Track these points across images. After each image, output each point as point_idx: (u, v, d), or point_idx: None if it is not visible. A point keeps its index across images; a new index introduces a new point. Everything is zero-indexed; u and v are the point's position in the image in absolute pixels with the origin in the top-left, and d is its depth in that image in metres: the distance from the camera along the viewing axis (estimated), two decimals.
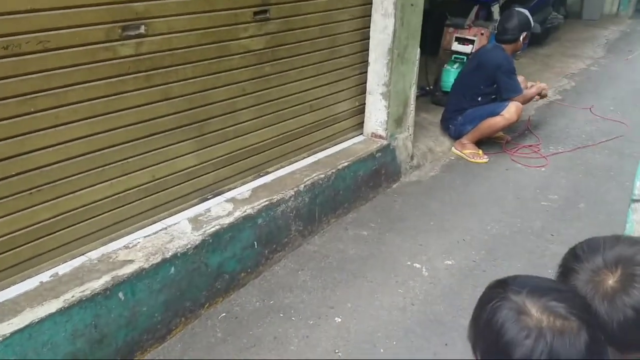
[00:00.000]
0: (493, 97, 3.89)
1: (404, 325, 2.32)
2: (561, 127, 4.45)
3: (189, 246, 2.25)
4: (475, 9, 4.94)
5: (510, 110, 3.76)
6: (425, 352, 2.18)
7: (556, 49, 6.81)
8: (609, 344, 1.17)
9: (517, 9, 4.03)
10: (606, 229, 2.94)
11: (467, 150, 3.91)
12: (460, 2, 5.32)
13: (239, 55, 2.59)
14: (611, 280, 1.12)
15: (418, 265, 2.70)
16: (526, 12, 3.97)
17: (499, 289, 1.02)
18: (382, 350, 2.18)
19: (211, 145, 2.56)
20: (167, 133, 2.32)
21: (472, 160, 3.86)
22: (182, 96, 2.36)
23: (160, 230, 2.31)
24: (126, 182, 2.20)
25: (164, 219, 2.38)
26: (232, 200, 2.61)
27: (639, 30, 7.79)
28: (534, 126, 4.42)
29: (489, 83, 3.85)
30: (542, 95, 4.13)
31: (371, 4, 3.23)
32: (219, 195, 2.64)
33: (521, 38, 3.87)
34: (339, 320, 2.34)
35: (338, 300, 2.45)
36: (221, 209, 2.52)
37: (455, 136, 4.01)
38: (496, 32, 4.05)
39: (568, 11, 7.90)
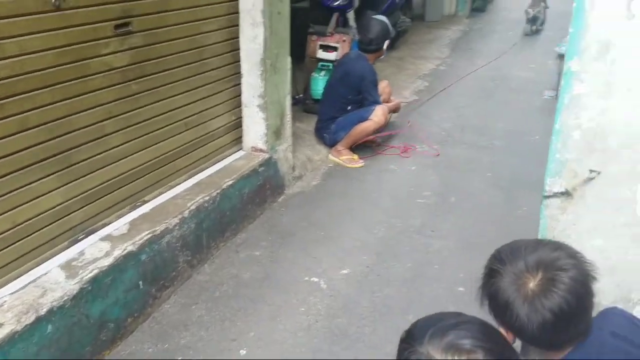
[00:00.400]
0: (360, 105, 4.01)
1: (311, 345, 2.26)
2: (422, 126, 4.72)
3: (65, 298, 1.96)
4: (336, 16, 5.06)
5: (378, 114, 3.91)
6: None
7: (406, 52, 7.25)
8: (531, 344, 1.22)
9: (375, 17, 4.19)
10: (476, 221, 3.20)
11: (343, 157, 3.98)
12: (319, 9, 5.43)
13: (102, 74, 2.34)
14: (532, 284, 1.16)
15: (315, 279, 2.66)
16: (386, 20, 4.14)
17: (406, 344, 1.02)
18: None
19: (79, 178, 2.27)
20: (26, 169, 2.01)
21: (349, 165, 3.94)
22: (41, 125, 2.06)
23: (29, 283, 1.98)
24: None
25: (31, 269, 2.05)
26: (108, 238, 2.34)
27: (476, 29, 8.61)
28: (397, 126, 4.64)
29: (355, 93, 4.00)
30: (396, 111, 4.45)
31: (238, 13, 3.12)
32: (92, 233, 2.35)
33: (384, 46, 4.05)
34: (244, 352, 2.22)
35: (240, 331, 2.32)
36: (97, 250, 2.24)
37: (331, 144, 4.07)
38: (360, 41, 4.17)
39: (413, 14, 8.47)
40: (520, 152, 4.17)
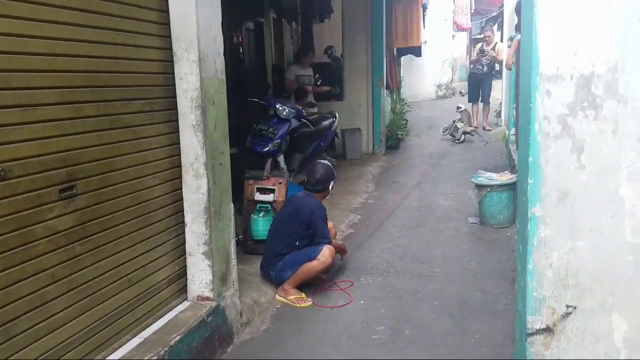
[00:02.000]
0: (309, 241, 4.09)
1: None
2: (364, 258, 4.83)
3: None
4: (270, 160, 5.32)
5: (325, 254, 3.99)
6: None
7: (337, 188, 7.53)
8: None
9: (320, 161, 4.52)
10: (434, 354, 3.20)
11: (291, 296, 3.95)
12: (249, 156, 5.72)
13: (46, 239, 2.30)
14: None
15: None
16: (329, 164, 4.45)
17: None
18: None
19: (20, 350, 2.11)
20: None
21: (298, 305, 3.90)
22: None
23: None
24: None
25: None
26: None
27: (395, 164, 9.25)
28: (338, 260, 4.72)
29: (305, 227, 4.10)
30: (342, 252, 4.59)
31: (180, 166, 3.22)
32: None
33: (330, 187, 4.28)
34: None
35: None
36: None
37: (277, 282, 4.05)
38: (307, 182, 4.41)
39: (335, 154, 9.04)
40: (461, 279, 4.33)
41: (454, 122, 10.44)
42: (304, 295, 3.99)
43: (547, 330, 1.53)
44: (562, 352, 1.53)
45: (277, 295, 4.00)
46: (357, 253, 4.96)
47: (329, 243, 4.11)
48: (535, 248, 1.53)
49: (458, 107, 10.52)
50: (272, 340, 3.42)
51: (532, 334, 1.54)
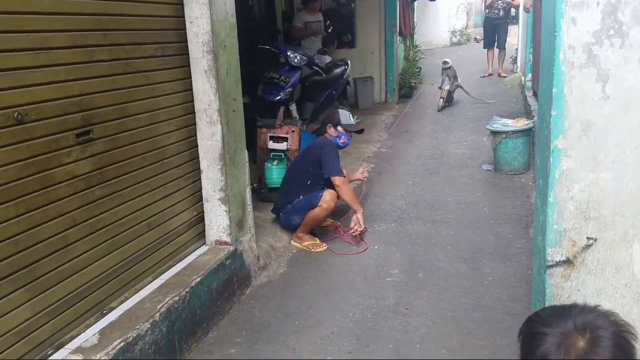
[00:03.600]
0: (322, 183, 4.10)
1: None
2: (377, 205, 4.86)
3: None
4: (282, 109, 5.28)
5: (326, 199, 3.99)
6: None
7: None
8: None
9: (334, 109, 4.49)
10: (447, 294, 3.25)
11: (306, 242, 4.00)
12: (261, 104, 5.68)
13: (65, 183, 2.32)
14: (582, 343, 1.21)
15: None
16: (338, 110, 4.41)
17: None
18: None
19: (45, 291, 2.19)
20: None
21: (313, 250, 3.95)
22: (5, 240, 2.00)
23: None
24: None
25: None
26: (79, 350, 2.21)
27: (408, 113, 9.14)
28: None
29: (316, 164, 4.10)
30: (363, 178, 4.63)
31: (194, 113, 3.21)
32: (62, 347, 2.21)
33: (328, 128, 4.28)
34: None
35: None
36: None
37: (284, 224, 4.13)
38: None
39: (348, 103, 8.94)
40: (474, 224, 4.35)
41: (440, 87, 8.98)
42: (318, 240, 4.04)
43: (567, 262, 1.54)
44: (582, 283, 1.54)
45: (292, 242, 4.06)
46: (370, 201, 4.98)
47: (338, 175, 4.05)
48: (557, 181, 1.51)
49: (444, 63, 8.83)
50: (289, 282, 3.49)
51: (551, 266, 1.54)
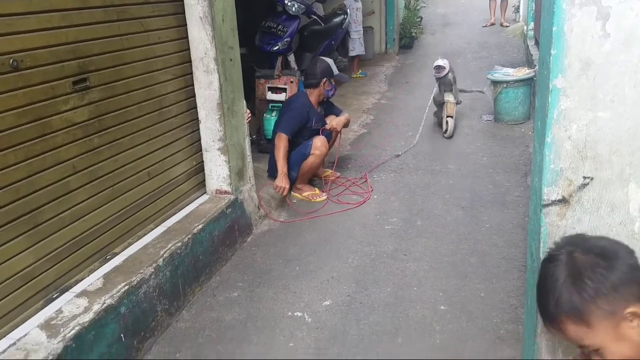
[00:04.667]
0: (306, 135, 4.07)
1: None
2: (376, 157, 4.87)
3: (50, 358, 1.87)
4: (280, 59, 5.21)
5: (317, 145, 3.97)
6: None
7: (348, 88, 7.49)
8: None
9: (320, 57, 4.36)
10: (445, 241, 3.30)
11: (306, 193, 4.03)
12: (258, 54, 5.59)
13: (64, 131, 2.32)
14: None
15: (299, 314, 2.65)
16: (329, 60, 4.28)
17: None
18: None
19: (47, 237, 2.22)
20: None
21: (313, 200, 3.99)
22: (6, 187, 2.01)
23: (10, 346, 1.89)
24: None
25: (8, 333, 1.96)
26: (84, 293, 2.27)
27: (408, 64, 9.03)
28: (352, 158, 4.76)
29: None
30: (346, 125, 4.44)
31: (190, 62, 3.17)
32: (67, 291, 2.27)
33: (322, 83, 4.15)
34: None
35: None
36: (75, 307, 2.17)
37: None
38: (305, 78, 4.30)
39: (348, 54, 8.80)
40: (473, 173, 4.37)
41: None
42: (317, 190, 4.07)
43: (563, 201, 1.55)
44: (577, 221, 1.56)
45: (292, 193, 4.09)
46: (370, 152, 4.99)
47: (282, 131, 3.94)
48: (554, 121, 1.50)
49: (437, 69, 5.35)
50: (289, 231, 3.55)
51: (547, 205, 1.56)
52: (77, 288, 2.30)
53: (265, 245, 3.35)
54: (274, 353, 2.39)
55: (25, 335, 1.96)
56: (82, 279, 2.37)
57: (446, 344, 2.41)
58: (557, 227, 1.59)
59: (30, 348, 1.89)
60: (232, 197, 3.31)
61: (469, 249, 3.20)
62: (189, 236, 2.83)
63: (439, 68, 5.32)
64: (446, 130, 5.33)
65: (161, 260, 2.59)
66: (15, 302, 2.02)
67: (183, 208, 3.14)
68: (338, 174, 4.41)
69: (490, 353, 2.34)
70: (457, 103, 5.53)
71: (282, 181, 3.84)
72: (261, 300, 2.78)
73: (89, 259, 2.45)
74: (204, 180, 3.36)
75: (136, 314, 2.37)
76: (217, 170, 3.32)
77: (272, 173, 4.09)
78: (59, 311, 2.12)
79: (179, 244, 2.74)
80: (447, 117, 5.34)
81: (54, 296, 2.21)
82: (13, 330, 1.98)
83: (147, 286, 2.47)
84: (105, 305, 2.20)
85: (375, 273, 2.99)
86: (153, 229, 2.87)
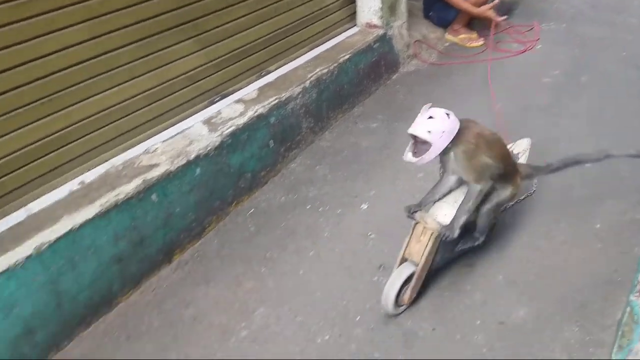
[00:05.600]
0: None
1: None
2: (549, 3, 4.36)
3: (210, 147, 2.20)
4: None
5: None
6: None
7: None
8: None
9: None
10: (610, 101, 2.98)
11: (462, 35, 3.83)
12: None
13: None
14: None
15: None
16: None
17: None
18: None
19: (211, 45, 2.44)
20: (165, 33, 2.18)
21: (468, 45, 3.79)
22: None
23: (177, 134, 2.24)
24: (134, 87, 2.10)
25: (176, 123, 2.30)
26: (240, 101, 2.53)
27: None
28: (524, 5, 4.32)
29: None
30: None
31: None
32: (226, 97, 2.54)
33: None
34: (365, 206, 2.36)
35: (361, 190, 2.46)
36: (232, 111, 2.44)
37: (440, 24, 3.89)
38: None
39: None
40: None
41: None
42: (475, 34, 3.83)
43: None
44: None
45: (446, 34, 3.90)
46: None
47: None
48: None
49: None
50: (436, 72, 3.46)
51: None
52: (235, 96, 2.57)
53: (410, 84, 3.34)
54: (403, 179, 2.50)
55: (190, 127, 2.28)
56: (240, 89, 2.62)
57: None
58: None
59: (194, 137, 2.21)
60: (382, 31, 3.28)
61: (637, 111, 2.87)
62: (335, 64, 2.92)
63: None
64: None
65: (308, 82, 2.74)
66: (182, 99, 2.32)
67: (333, 38, 3.20)
68: (505, 16, 4.03)
69: None
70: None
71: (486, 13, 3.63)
72: (398, 133, 2.84)
73: (247, 71, 2.67)
74: (355, 12, 3.34)
75: (284, 126, 2.61)
76: (369, 3, 3.27)
77: (427, 14, 3.91)
78: (219, 112, 2.41)
79: (325, 70, 2.85)
80: None
81: (215, 100, 2.49)
82: (181, 121, 2.31)
83: (295, 103, 2.66)
84: (257, 112, 2.45)
85: (521, 124, 2.86)
86: (304, 54, 3.00)
